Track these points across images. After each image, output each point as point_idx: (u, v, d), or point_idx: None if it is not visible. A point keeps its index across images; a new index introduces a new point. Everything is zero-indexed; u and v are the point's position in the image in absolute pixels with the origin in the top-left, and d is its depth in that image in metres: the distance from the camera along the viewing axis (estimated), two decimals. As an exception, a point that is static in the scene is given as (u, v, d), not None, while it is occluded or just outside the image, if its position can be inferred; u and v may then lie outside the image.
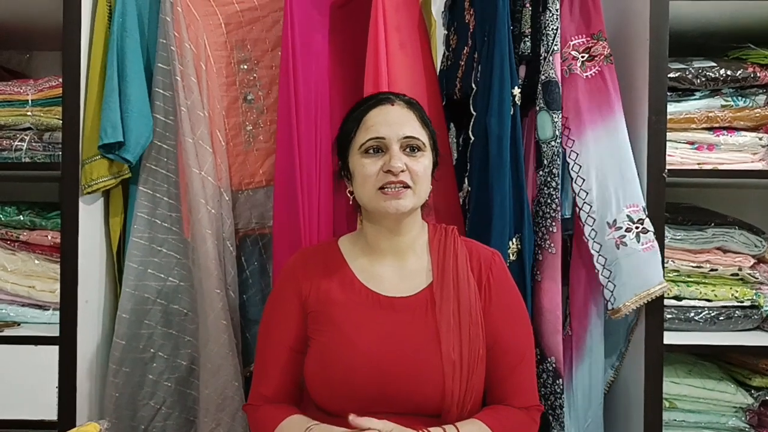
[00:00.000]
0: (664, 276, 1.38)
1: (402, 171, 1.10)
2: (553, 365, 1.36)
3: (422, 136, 1.14)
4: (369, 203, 1.13)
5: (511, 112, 1.37)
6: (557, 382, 1.36)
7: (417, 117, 1.16)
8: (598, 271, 1.38)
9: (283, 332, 1.16)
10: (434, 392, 1.07)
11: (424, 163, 1.13)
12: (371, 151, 1.12)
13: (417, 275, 1.17)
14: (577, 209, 1.39)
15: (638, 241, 1.36)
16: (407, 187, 1.10)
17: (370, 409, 1.06)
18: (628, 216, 1.36)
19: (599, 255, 1.37)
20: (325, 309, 1.14)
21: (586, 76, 1.41)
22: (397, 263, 1.18)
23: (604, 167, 1.38)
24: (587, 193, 1.38)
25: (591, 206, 1.37)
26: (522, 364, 1.16)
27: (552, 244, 1.39)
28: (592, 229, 1.38)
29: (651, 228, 1.37)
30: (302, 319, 1.16)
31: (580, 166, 1.39)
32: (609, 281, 1.37)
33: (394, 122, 1.13)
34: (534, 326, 1.38)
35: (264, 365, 1.19)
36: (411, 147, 1.13)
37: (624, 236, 1.36)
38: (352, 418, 1.02)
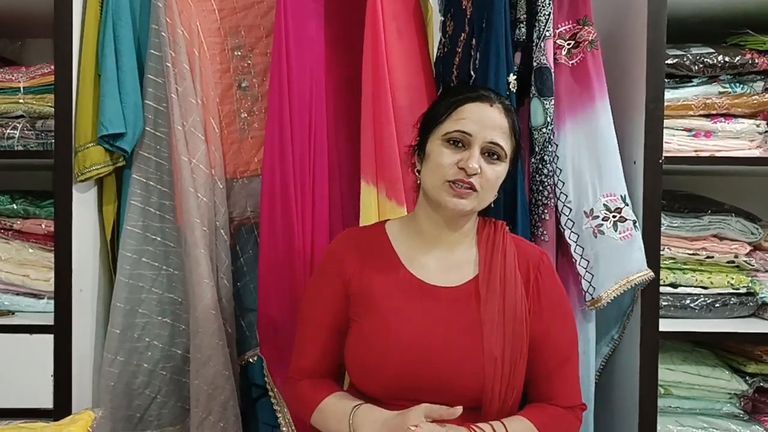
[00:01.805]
0: (660, 264, 1.38)
1: (476, 174, 1.08)
2: None
3: (506, 145, 1.12)
4: (432, 191, 1.12)
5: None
6: None
7: (509, 125, 1.13)
8: (576, 261, 1.38)
9: (322, 311, 1.17)
10: (473, 385, 1.07)
11: (498, 171, 1.11)
12: (452, 142, 1.10)
13: (463, 266, 1.15)
14: (554, 199, 1.39)
15: (615, 230, 1.36)
16: (474, 190, 1.09)
17: (407, 396, 1.07)
18: (604, 205, 1.37)
19: (576, 245, 1.38)
20: (368, 293, 1.13)
21: (572, 64, 1.40)
22: (444, 253, 1.16)
23: (580, 157, 1.38)
24: (564, 183, 1.38)
25: (567, 196, 1.38)
26: (568, 363, 1.16)
27: (545, 232, 1.38)
28: (569, 219, 1.38)
29: (630, 216, 1.37)
30: (343, 300, 1.16)
31: (558, 157, 1.39)
32: (587, 271, 1.37)
33: (486, 124, 1.10)
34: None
35: (303, 341, 1.19)
36: (491, 152, 1.11)
37: (601, 225, 1.36)
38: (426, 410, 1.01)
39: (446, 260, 1.16)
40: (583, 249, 1.37)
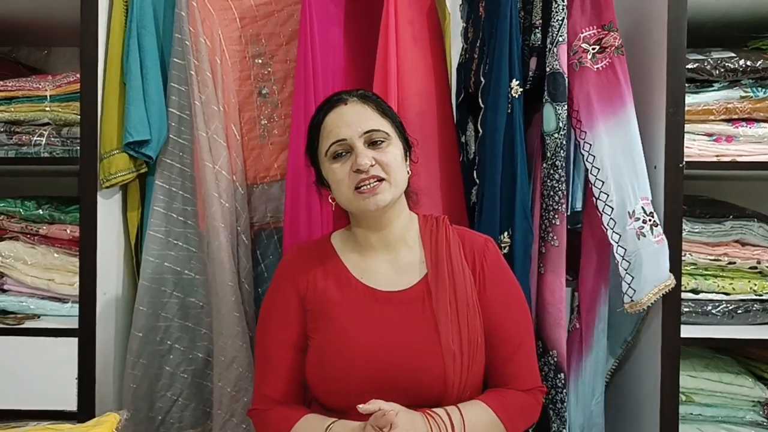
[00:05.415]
0: (681, 269, 1.38)
1: (371, 166, 1.09)
2: (555, 359, 1.36)
3: (383, 126, 1.13)
4: (349, 205, 1.14)
5: (509, 106, 1.36)
6: (559, 376, 1.35)
7: (374, 109, 1.14)
8: (618, 262, 1.36)
9: (284, 331, 1.16)
10: (436, 383, 1.08)
11: (392, 152, 1.13)
12: (337, 156, 1.13)
13: (411, 268, 1.17)
14: (594, 199, 1.37)
15: (652, 234, 1.35)
16: (381, 180, 1.10)
17: None
18: (642, 208, 1.36)
19: (618, 245, 1.36)
20: (323, 307, 1.14)
21: (597, 68, 1.39)
22: (389, 257, 1.18)
23: (618, 159, 1.37)
24: (603, 183, 1.36)
25: (608, 195, 1.36)
26: (522, 348, 1.16)
27: (555, 237, 1.38)
28: (611, 219, 1.36)
29: (660, 222, 1.36)
30: (302, 316, 1.16)
31: (594, 157, 1.37)
32: (627, 273, 1.35)
33: (351, 121, 1.12)
34: (536, 319, 1.38)
35: (268, 367, 1.17)
36: (373, 140, 1.12)
37: (642, 227, 1.35)
38: (361, 407, 1.00)
39: (394, 264, 1.17)
40: (625, 250, 1.35)
